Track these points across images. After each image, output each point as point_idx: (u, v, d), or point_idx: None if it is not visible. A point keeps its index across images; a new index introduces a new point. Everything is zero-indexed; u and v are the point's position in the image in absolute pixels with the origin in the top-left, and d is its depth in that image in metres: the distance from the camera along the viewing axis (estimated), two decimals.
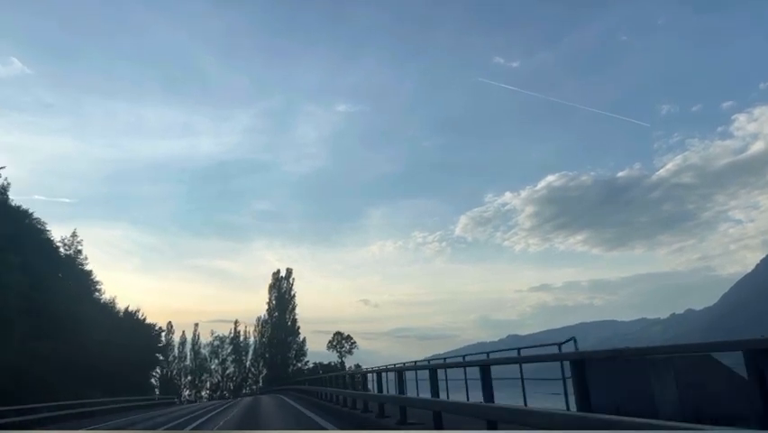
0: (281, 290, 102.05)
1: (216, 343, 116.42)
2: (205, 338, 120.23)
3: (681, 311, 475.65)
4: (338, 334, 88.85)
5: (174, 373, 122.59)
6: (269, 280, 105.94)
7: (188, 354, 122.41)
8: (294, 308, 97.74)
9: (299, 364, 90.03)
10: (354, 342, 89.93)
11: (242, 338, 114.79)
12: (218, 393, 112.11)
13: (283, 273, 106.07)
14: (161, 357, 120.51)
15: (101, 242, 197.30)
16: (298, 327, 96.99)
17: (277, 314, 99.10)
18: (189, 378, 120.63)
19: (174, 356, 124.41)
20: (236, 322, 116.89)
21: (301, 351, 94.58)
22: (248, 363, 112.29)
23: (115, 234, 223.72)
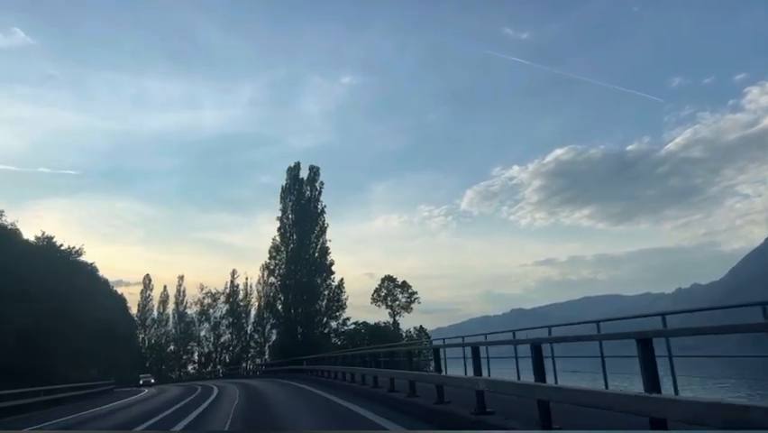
0: (302, 199, 60.46)
1: (207, 301, 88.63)
2: (193, 295, 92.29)
3: (687, 286, 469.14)
4: (389, 280, 59.37)
5: (153, 342, 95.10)
6: (285, 180, 63.30)
7: (171, 316, 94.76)
8: (324, 231, 57.85)
9: (333, 324, 54.70)
10: (415, 292, 57.22)
11: (240, 295, 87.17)
12: (209, 369, 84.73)
13: (305, 172, 62.72)
14: (135, 321, 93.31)
15: (106, 213, 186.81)
16: (331, 262, 56.73)
17: (296, 238, 57.90)
18: (172, 347, 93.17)
19: (153, 319, 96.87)
20: (233, 273, 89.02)
21: (337, 301, 54.80)
22: (249, 327, 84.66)
23: (120, 207, 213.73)
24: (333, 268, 54.93)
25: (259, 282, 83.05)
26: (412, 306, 55.42)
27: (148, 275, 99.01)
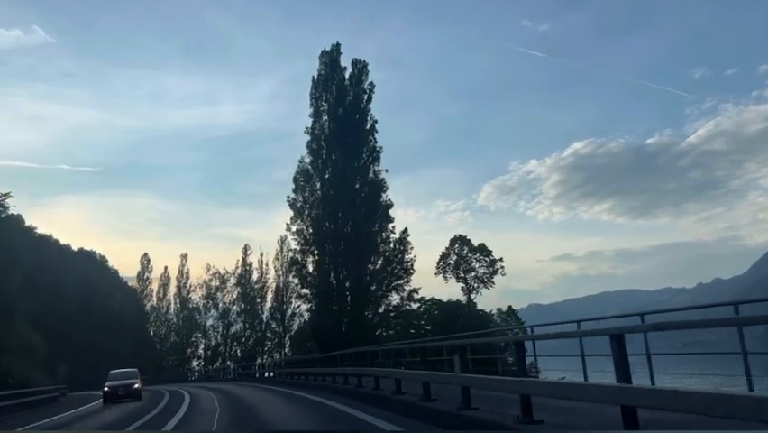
0: (344, 103, 38.61)
1: (214, 283, 73.74)
2: (198, 277, 77.63)
3: (709, 280, 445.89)
4: (461, 241, 42.04)
5: (152, 333, 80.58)
6: (317, 70, 40.50)
7: (172, 302, 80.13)
8: (376, 156, 36.68)
9: (394, 298, 34.64)
10: (498, 259, 41.37)
11: (254, 276, 72.20)
12: (217, 365, 70.07)
13: (347, 62, 40.71)
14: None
15: (125, 210, 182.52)
16: (388, 204, 36.61)
17: (335, 160, 36.86)
18: (174, 339, 78.54)
19: (152, 306, 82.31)
20: (245, 249, 73.98)
21: (399, 264, 34.53)
22: (265, 314, 69.68)
23: (140, 203, 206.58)
24: (393, 214, 34.99)
25: (276, 258, 68.45)
26: (494, 278, 39.91)
27: (146, 254, 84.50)
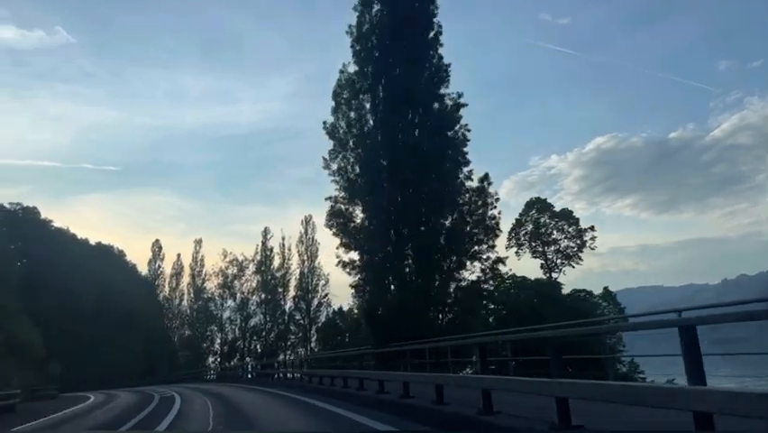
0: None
1: (231, 271, 66.23)
2: (213, 265, 70.41)
3: (733, 276, 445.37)
4: (540, 205, 33.75)
5: (165, 326, 73.51)
6: None
7: (186, 292, 72.93)
8: (445, 75, 25.14)
9: (476, 269, 23.79)
10: (587, 229, 32.93)
11: (276, 263, 64.55)
12: (235, 362, 62.69)
13: None
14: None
15: (147, 208, 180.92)
16: (462, 135, 25.20)
17: (392, 63, 25.34)
18: (188, 332, 71.29)
19: (165, 297, 75.24)
20: (265, 232, 66.33)
21: (481, 222, 23.87)
22: (288, 304, 62.01)
23: (160, 201, 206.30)
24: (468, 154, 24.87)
25: (300, 241, 60.77)
26: (582, 253, 31.26)
27: (157, 241, 77.62)
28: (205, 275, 69.41)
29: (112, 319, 62.30)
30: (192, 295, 70.51)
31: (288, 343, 61.58)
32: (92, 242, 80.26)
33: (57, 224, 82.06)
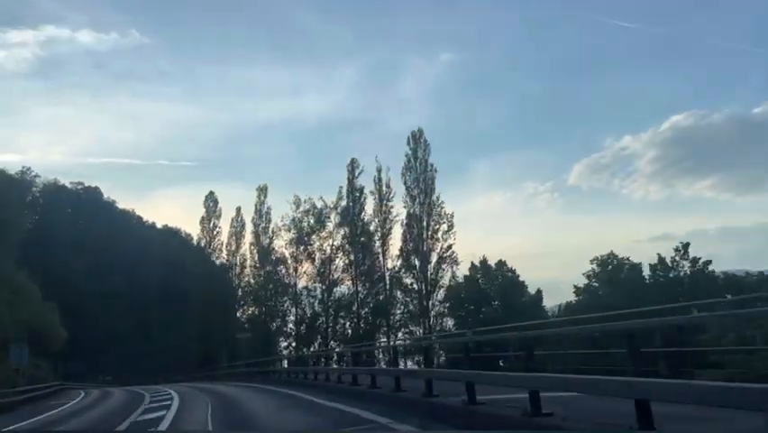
0: None
1: (308, 223, 48.07)
2: (284, 216, 52.03)
3: None
4: None
5: (221, 300, 56.67)
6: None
7: (248, 256, 55.61)
8: None
9: None
10: None
11: (369, 207, 45.68)
12: (316, 348, 44.72)
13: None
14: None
15: (221, 202, 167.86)
16: None
17: None
18: (251, 310, 53.97)
19: (222, 264, 58.46)
20: (353, 163, 47.17)
21: None
22: (390, 263, 42.63)
23: (234, 195, 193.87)
24: None
25: (407, 169, 41.49)
26: None
27: (212, 194, 60.88)
28: (273, 232, 51.69)
29: (179, 304, 56.56)
30: (256, 259, 53.08)
31: (393, 320, 42.75)
32: (159, 225, 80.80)
33: (121, 205, 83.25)
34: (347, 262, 46.18)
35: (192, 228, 62.13)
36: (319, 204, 47.41)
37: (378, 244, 43.30)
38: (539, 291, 37.56)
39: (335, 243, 46.85)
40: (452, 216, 38.45)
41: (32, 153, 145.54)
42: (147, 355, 62.65)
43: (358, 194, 45.86)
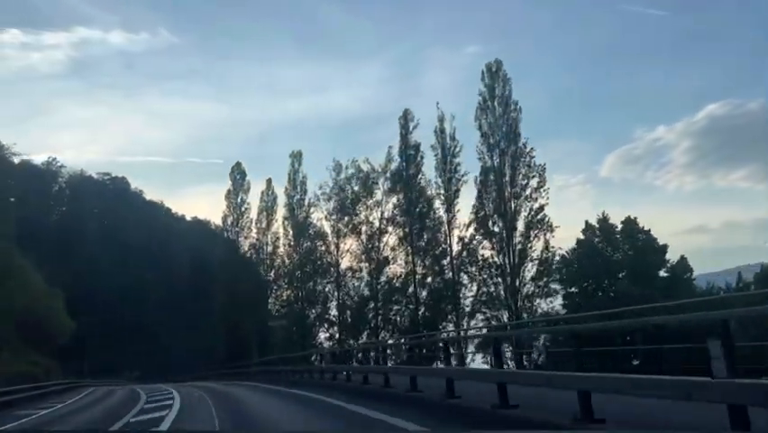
0: None
1: (352, 190, 40.16)
2: (322, 183, 43.84)
3: None
4: None
5: (248, 284, 49.27)
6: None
7: (281, 234, 47.90)
8: None
9: None
10: None
11: (429, 168, 37.35)
12: (362, 341, 36.81)
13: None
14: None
15: (253, 198, 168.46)
16: None
17: None
18: (286, 294, 46.23)
19: (251, 245, 51.05)
20: (405, 116, 38.66)
21: None
22: (456, 235, 34.32)
23: (261, 191, 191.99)
24: None
25: (483, 113, 32.81)
26: None
27: (239, 164, 53.42)
28: (310, 203, 43.88)
29: (208, 296, 53.76)
30: (291, 236, 45.30)
31: (458, 306, 34.31)
32: (188, 217, 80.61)
33: (149, 196, 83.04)
34: (401, 235, 38.00)
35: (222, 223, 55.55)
36: (365, 167, 39.37)
37: (441, 211, 34.80)
38: (683, 260, 28.71)
39: (386, 213, 38.73)
40: (544, 168, 29.81)
41: (66, 153, 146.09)
42: (175, 349, 59.80)
43: (413, 152, 37.54)
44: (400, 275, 37.44)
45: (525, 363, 27.50)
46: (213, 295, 52.10)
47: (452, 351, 23.67)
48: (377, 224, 39.04)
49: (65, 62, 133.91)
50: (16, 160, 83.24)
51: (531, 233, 28.96)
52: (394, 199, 38.49)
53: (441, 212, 34.70)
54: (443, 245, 34.83)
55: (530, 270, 29.06)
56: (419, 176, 37.26)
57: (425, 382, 11.29)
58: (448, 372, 11.21)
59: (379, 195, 39.16)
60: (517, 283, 28.86)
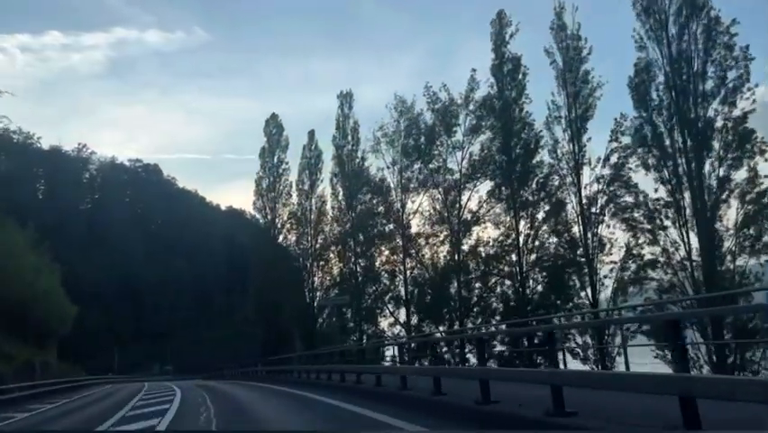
0: None
1: (420, 130, 30.20)
2: (383, 125, 33.73)
3: None
4: None
5: (287, 263, 39.91)
6: None
7: (329, 198, 38.19)
8: None
9: None
10: None
11: (537, 99, 27.09)
12: (444, 329, 26.92)
13: None
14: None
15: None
16: None
17: None
18: (336, 268, 36.47)
19: (291, 213, 41.55)
20: (500, 18, 27.83)
21: None
22: (590, 174, 24.07)
23: (304, 146, 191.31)
24: None
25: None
26: None
27: (274, 116, 43.89)
28: (364, 154, 33.90)
29: (243, 286, 50.00)
30: (341, 199, 35.40)
31: (583, 279, 23.81)
32: (223, 207, 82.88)
33: (182, 184, 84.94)
34: (492, 185, 27.69)
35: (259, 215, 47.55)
36: (443, 95, 29.02)
37: (566, 138, 24.14)
38: None
39: (474, 156, 28.39)
40: (748, 52, 18.68)
41: (105, 150, 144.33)
42: (209, 343, 56.49)
43: (511, 67, 27.00)
44: (497, 239, 27.13)
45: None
46: (248, 286, 45.70)
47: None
48: (457, 174, 28.77)
49: (103, 62, 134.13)
50: (45, 146, 78.65)
51: (728, 155, 18.26)
52: (482, 139, 28.17)
53: (564, 143, 24.06)
54: (567, 189, 24.22)
55: (729, 214, 18.27)
56: (521, 101, 26.76)
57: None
58: None
59: (459, 135, 28.87)
60: (714, 235, 17.98)
